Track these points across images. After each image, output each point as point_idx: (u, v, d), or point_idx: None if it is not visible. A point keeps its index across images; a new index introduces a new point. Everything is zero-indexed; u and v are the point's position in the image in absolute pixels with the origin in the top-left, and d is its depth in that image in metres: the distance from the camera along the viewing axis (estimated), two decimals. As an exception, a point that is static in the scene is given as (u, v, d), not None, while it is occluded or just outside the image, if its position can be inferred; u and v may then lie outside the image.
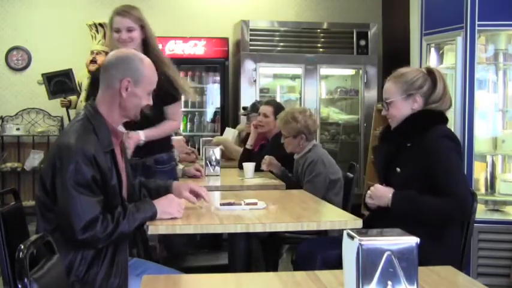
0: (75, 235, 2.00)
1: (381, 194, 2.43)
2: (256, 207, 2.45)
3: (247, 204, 2.46)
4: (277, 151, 4.21)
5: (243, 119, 6.12)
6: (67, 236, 2.05)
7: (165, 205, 2.24)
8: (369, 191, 2.49)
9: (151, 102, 2.30)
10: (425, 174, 2.36)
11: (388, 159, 2.55)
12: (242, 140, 5.33)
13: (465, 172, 3.87)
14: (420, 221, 2.28)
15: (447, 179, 2.32)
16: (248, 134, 4.94)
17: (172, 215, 2.23)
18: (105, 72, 2.23)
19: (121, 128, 2.30)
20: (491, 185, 4.17)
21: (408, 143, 2.47)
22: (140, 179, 2.58)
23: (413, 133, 2.44)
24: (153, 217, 2.18)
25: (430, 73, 2.51)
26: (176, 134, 4.96)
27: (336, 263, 2.53)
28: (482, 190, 4.16)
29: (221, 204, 2.45)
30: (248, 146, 4.50)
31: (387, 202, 2.39)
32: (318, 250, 2.80)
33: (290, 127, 3.67)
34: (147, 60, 2.28)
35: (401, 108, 2.48)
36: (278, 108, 4.41)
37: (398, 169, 2.46)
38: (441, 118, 2.48)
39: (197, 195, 2.45)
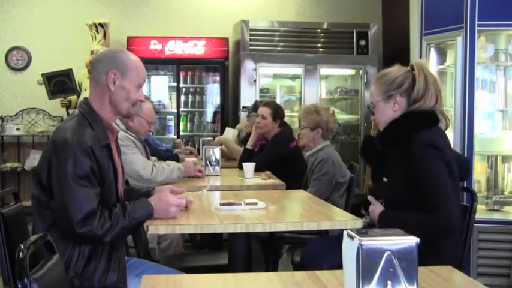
0: (73, 228, 1.99)
1: (373, 211, 2.38)
2: (256, 207, 2.45)
3: (247, 204, 2.46)
4: (275, 151, 4.23)
5: (243, 119, 6.12)
6: (64, 230, 2.04)
7: (161, 205, 2.21)
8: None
9: (142, 98, 2.30)
10: (411, 184, 2.24)
11: (375, 167, 2.47)
12: (242, 140, 5.33)
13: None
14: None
15: (431, 192, 2.19)
16: (248, 134, 4.94)
17: (169, 214, 2.21)
18: (92, 70, 2.25)
19: (115, 126, 2.30)
20: (493, 185, 4.16)
21: (394, 150, 2.33)
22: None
23: (397, 141, 2.30)
24: (150, 217, 2.17)
25: (413, 69, 2.35)
26: (191, 152, 4.86)
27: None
28: (483, 190, 4.16)
29: (221, 204, 2.45)
30: (249, 146, 4.50)
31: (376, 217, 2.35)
32: (323, 255, 2.77)
33: (310, 118, 3.70)
34: (133, 54, 2.28)
35: (384, 111, 2.36)
36: (276, 109, 4.42)
37: (385, 179, 2.36)
38: (429, 119, 2.31)
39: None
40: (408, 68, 2.39)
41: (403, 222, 2.16)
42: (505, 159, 4.18)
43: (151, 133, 4.95)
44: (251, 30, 6.50)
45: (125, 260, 2.26)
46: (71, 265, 2.07)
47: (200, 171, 3.75)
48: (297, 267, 3.05)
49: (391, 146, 2.33)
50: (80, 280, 2.08)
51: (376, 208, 2.36)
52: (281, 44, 6.60)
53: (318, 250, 2.92)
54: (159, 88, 7.03)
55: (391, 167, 2.34)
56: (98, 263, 2.11)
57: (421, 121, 2.29)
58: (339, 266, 2.65)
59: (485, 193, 4.16)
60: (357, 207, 3.61)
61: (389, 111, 2.35)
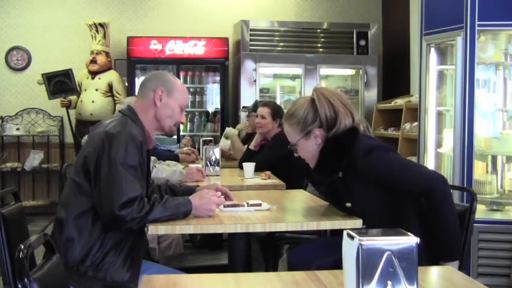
0: (113, 210, 2.07)
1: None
2: (260, 209, 2.44)
3: (252, 205, 2.45)
4: (276, 151, 4.22)
5: (243, 119, 6.13)
6: (102, 212, 2.12)
7: (203, 203, 2.25)
8: None
9: (184, 120, 2.45)
10: (382, 196, 2.26)
11: (332, 195, 2.44)
12: (242, 140, 5.33)
13: (465, 172, 3.88)
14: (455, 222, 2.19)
15: (414, 183, 2.22)
16: (248, 134, 4.94)
17: (210, 212, 2.26)
18: (141, 87, 2.42)
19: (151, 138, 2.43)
20: (493, 185, 4.16)
21: (338, 174, 2.31)
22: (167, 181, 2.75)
23: (336, 164, 2.30)
24: (188, 213, 2.22)
25: (313, 101, 2.34)
26: (192, 152, 4.85)
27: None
28: (483, 190, 4.15)
29: (225, 206, 2.43)
30: (251, 146, 4.50)
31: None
32: (311, 258, 2.76)
33: None
34: (178, 79, 2.50)
35: (307, 148, 2.37)
36: (275, 109, 4.42)
37: (348, 204, 2.33)
38: (350, 135, 2.29)
39: (225, 196, 2.50)
40: (311, 96, 2.38)
41: (448, 231, 2.19)
42: (504, 159, 4.18)
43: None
44: (251, 30, 6.50)
45: (141, 262, 2.31)
46: (90, 255, 2.15)
47: (200, 171, 3.74)
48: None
49: (334, 172, 2.32)
50: (94, 271, 2.15)
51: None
52: (281, 44, 6.60)
53: (305, 254, 2.90)
54: (159, 88, 7.01)
55: (348, 191, 2.32)
56: (116, 259, 2.18)
57: (347, 141, 2.29)
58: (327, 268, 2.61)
59: (485, 193, 4.16)
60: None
61: (312, 147, 2.36)
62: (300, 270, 2.52)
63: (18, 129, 6.77)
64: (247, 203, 2.46)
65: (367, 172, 2.23)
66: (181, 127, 6.87)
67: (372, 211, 2.29)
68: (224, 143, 5.45)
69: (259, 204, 2.45)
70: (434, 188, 2.21)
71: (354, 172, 2.26)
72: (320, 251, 2.70)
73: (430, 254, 2.19)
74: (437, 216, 2.20)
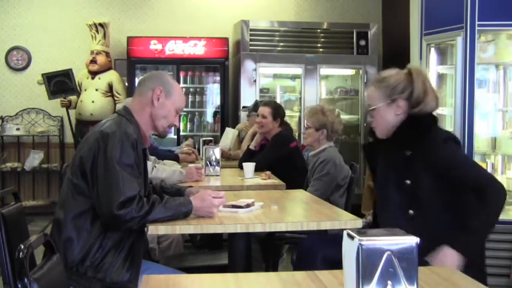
0: (111, 209, 2.07)
1: (444, 259, 2.14)
2: (254, 208, 2.43)
3: (247, 205, 2.44)
4: (276, 151, 4.23)
5: (243, 119, 6.13)
6: (101, 212, 2.12)
7: (204, 205, 2.26)
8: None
9: (177, 123, 2.46)
10: (439, 182, 2.25)
11: (391, 171, 2.41)
12: (242, 140, 5.33)
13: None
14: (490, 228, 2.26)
15: (475, 178, 2.23)
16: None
17: (210, 214, 2.26)
18: (139, 85, 2.44)
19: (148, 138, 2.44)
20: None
21: (407, 152, 2.31)
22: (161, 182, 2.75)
23: (411, 141, 2.30)
24: (188, 213, 2.22)
25: (410, 74, 2.34)
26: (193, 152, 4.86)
27: (338, 260, 2.49)
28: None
29: (224, 206, 2.43)
30: (252, 147, 4.51)
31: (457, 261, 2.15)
32: (318, 247, 2.76)
33: (316, 118, 3.68)
34: (176, 82, 2.51)
35: (385, 115, 2.34)
36: (276, 109, 4.42)
37: (408, 181, 2.30)
38: (431, 120, 2.33)
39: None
40: (405, 71, 2.38)
41: (477, 231, 2.24)
42: (506, 158, 4.18)
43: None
44: (251, 30, 6.50)
45: (141, 262, 2.31)
46: (89, 255, 2.15)
47: (199, 169, 3.74)
48: (294, 263, 3.03)
49: (408, 146, 2.32)
50: (94, 271, 2.15)
51: (447, 253, 2.16)
52: (281, 44, 6.60)
53: (314, 244, 2.90)
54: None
55: (411, 168, 2.30)
56: (115, 259, 2.18)
57: (429, 120, 2.33)
58: (333, 256, 2.62)
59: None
60: (357, 207, 3.60)
61: (390, 115, 2.34)
62: (308, 257, 2.50)
63: (18, 129, 6.77)
64: (244, 203, 2.44)
65: (437, 156, 2.24)
66: (181, 127, 6.87)
67: (425, 197, 2.28)
68: (224, 143, 5.45)
69: (252, 204, 2.45)
70: (492, 188, 2.24)
71: (425, 155, 2.26)
72: (327, 242, 2.70)
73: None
74: (480, 213, 2.23)
